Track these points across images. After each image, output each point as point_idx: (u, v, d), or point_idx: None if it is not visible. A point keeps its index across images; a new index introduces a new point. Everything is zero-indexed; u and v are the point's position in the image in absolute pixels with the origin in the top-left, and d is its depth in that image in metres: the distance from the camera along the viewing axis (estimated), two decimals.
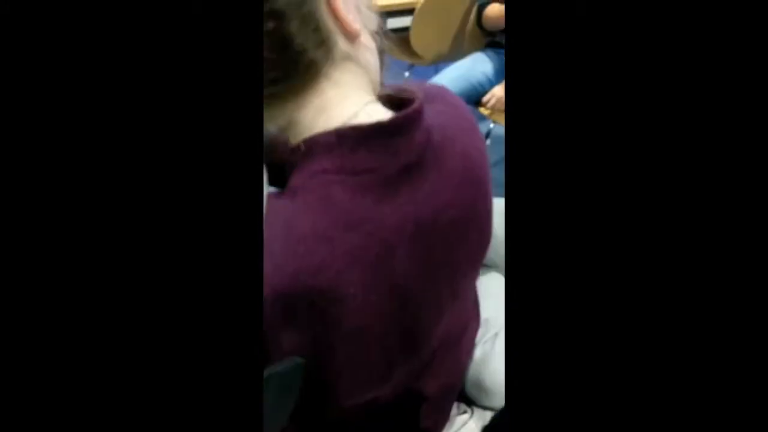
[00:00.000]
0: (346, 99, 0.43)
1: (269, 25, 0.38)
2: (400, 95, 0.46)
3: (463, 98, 1.67)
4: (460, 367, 0.60)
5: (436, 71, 1.91)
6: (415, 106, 0.43)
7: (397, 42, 2.00)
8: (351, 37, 0.44)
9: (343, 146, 0.41)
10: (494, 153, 2.04)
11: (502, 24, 1.58)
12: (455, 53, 1.85)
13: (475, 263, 0.53)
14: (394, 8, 1.80)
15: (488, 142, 1.91)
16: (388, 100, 0.47)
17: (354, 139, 0.41)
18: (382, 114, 0.43)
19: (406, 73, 2.27)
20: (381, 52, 0.49)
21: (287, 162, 0.42)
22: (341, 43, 0.43)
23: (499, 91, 1.54)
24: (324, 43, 0.41)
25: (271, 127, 0.43)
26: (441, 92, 0.53)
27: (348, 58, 0.44)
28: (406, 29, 1.84)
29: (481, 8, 1.63)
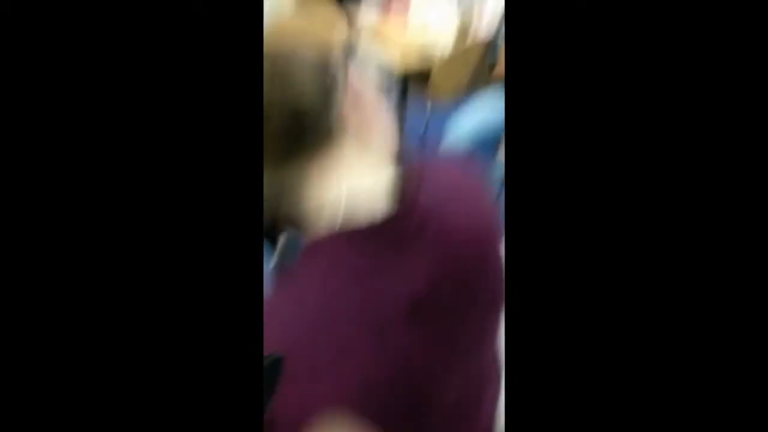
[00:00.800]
0: (347, 171, 0.46)
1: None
2: (403, 177, 0.49)
3: (480, 144, 1.67)
4: None
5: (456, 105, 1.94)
6: (411, 198, 0.46)
7: (418, 81, 2.04)
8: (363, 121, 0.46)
9: (338, 244, 0.45)
10: None
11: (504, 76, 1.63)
12: (473, 91, 1.89)
13: (486, 323, 0.54)
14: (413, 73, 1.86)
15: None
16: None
17: (349, 237, 0.45)
18: (380, 198, 0.46)
19: (427, 110, 2.31)
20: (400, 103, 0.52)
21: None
22: (350, 116, 0.45)
23: None
24: (331, 116, 0.44)
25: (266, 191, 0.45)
26: (448, 162, 0.55)
27: (356, 131, 0.46)
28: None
29: (492, 67, 1.68)
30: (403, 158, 0.51)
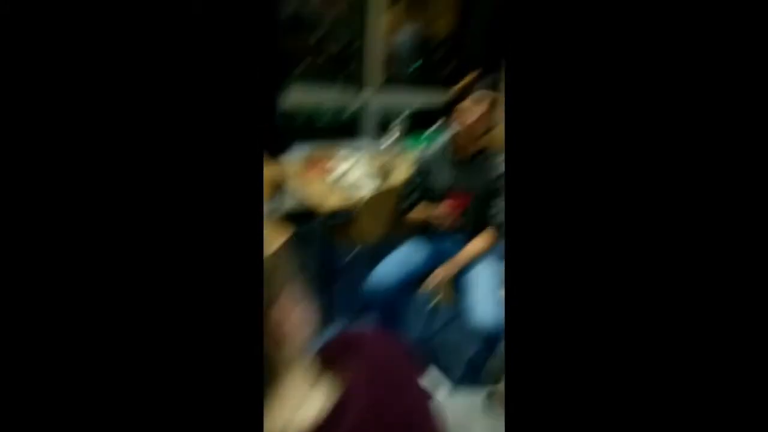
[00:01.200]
0: (282, 386, 0.48)
1: None
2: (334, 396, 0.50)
3: (403, 284, 1.71)
4: None
5: (377, 248, 2.02)
6: (341, 401, 0.47)
7: (341, 228, 2.14)
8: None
9: None
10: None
11: (420, 222, 1.77)
12: (393, 238, 1.99)
13: None
14: (337, 209, 1.97)
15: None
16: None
17: None
18: (313, 406, 0.48)
19: (352, 253, 2.37)
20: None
21: None
22: (284, 329, 0.47)
23: (437, 275, 1.63)
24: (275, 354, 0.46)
25: None
26: (375, 352, 0.57)
27: (288, 344, 0.48)
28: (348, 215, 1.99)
29: (405, 212, 1.82)
30: (330, 353, 0.53)
